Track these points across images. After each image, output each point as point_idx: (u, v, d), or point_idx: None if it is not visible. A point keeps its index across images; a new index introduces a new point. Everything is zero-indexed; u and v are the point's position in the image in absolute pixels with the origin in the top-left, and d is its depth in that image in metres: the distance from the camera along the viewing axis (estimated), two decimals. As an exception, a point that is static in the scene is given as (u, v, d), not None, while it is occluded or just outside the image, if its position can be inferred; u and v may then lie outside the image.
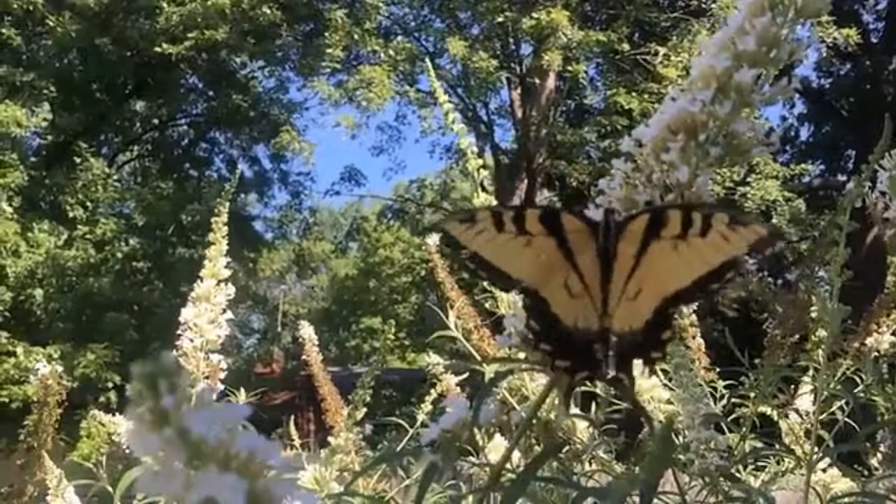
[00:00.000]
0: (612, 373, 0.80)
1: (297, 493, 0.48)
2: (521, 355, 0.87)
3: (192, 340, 1.81)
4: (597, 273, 0.81)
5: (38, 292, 14.93)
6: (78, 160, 15.87)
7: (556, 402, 0.89)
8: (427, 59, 1.89)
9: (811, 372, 1.72)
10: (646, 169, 0.80)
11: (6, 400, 13.38)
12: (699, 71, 0.80)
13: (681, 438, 1.80)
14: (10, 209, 14.74)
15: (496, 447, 0.90)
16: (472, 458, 0.93)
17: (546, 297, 0.82)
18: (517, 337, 0.83)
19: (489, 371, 1.47)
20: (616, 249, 0.81)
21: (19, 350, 13.81)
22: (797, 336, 1.69)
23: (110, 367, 13.83)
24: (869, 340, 1.83)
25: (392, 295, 28.22)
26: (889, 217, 1.30)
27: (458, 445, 0.92)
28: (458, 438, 0.85)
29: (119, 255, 15.78)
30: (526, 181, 15.87)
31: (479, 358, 1.73)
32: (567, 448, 1.91)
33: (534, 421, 0.93)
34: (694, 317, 2.04)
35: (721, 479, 1.60)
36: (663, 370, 1.96)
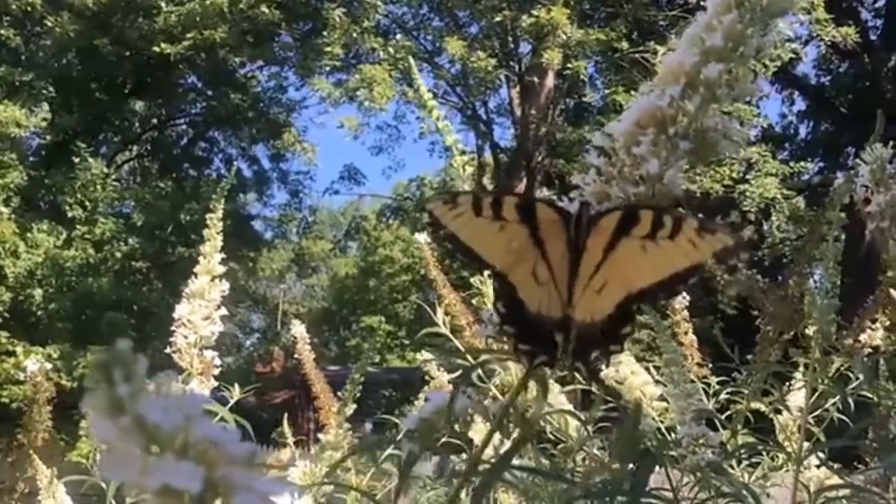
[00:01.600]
0: (569, 361, 0.82)
1: (262, 483, 0.47)
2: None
3: (185, 337, 1.82)
4: (565, 264, 0.83)
5: (38, 292, 14.94)
6: (77, 160, 15.87)
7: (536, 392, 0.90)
8: (411, 60, 1.88)
9: (802, 368, 1.72)
10: (618, 163, 0.81)
11: (6, 400, 13.38)
12: (668, 66, 0.81)
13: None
14: (7, 210, 14.73)
15: (479, 431, 0.90)
16: (465, 455, 0.94)
17: (514, 282, 0.84)
18: (493, 328, 0.84)
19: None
20: (586, 243, 0.83)
21: (19, 350, 13.83)
22: (790, 332, 1.70)
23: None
24: (863, 336, 1.83)
25: (392, 294, 28.24)
26: (871, 211, 1.31)
27: (453, 442, 0.93)
28: (437, 428, 0.85)
29: (118, 254, 15.77)
30: (525, 180, 15.87)
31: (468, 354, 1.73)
32: (561, 444, 1.91)
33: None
34: (686, 313, 2.05)
35: (713, 474, 1.60)
36: (656, 367, 1.96)
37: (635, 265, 0.81)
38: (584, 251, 0.82)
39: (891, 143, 1.36)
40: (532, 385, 0.90)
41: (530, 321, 0.83)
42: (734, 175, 14.16)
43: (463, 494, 1.03)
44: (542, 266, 0.84)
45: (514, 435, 0.90)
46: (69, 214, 15.73)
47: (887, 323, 1.73)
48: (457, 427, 0.86)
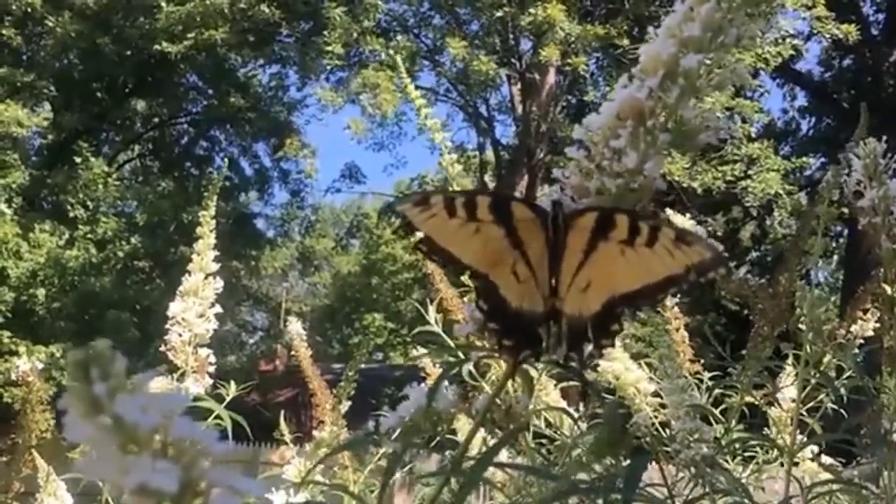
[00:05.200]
0: (562, 353, 0.82)
1: (241, 482, 0.48)
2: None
3: (180, 335, 1.82)
4: (545, 261, 0.83)
5: (41, 292, 14.94)
6: (79, 160, 15.88)
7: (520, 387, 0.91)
8: (398, 60, 1.89)
9: (793, 361, 1.73)
10: (597, 156, 0.81)
11: (9, 400, 13.39)
12: (647, 57, 0.81)
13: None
14: (9, 211, 14.74)
15: (463, 428, 0.91)
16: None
17: (495, 281, 0.84)
18: (474, 325, 0.84)
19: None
20: (566, 240, 0.82)
21: (22, 349, 13.83)
22: (781, 328, 1.70)
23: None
24: (854, 328, 1.84)
25: (395, 292, 28.22)
26: (864, 206, 1.31)
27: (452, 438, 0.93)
28: (419, 426, 0.86)
29: (120, 254, 15.78)
30: (526, 177, 15.86)
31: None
32: (556, 441, 1.92)
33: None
34: (677, 309, 2.05)
35: (708, 469, 1.60)
36: (648, 363, 1.97)
37: (616, 269, 0.81)
38: (565, 248, 0.82)
39: (884, 137, 1.36)
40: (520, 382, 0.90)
41: (513, 317, 0.83)
42: (736, 171, 14.15)
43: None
44: (522, 265, 0.83)
45: (501, 432, 0.91)
46: (71, 214, 15.73)
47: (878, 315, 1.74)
48: (438, 425, 0.86)
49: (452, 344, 1.74)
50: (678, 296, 2.16)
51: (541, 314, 0.83)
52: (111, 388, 0.43)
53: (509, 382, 1.30)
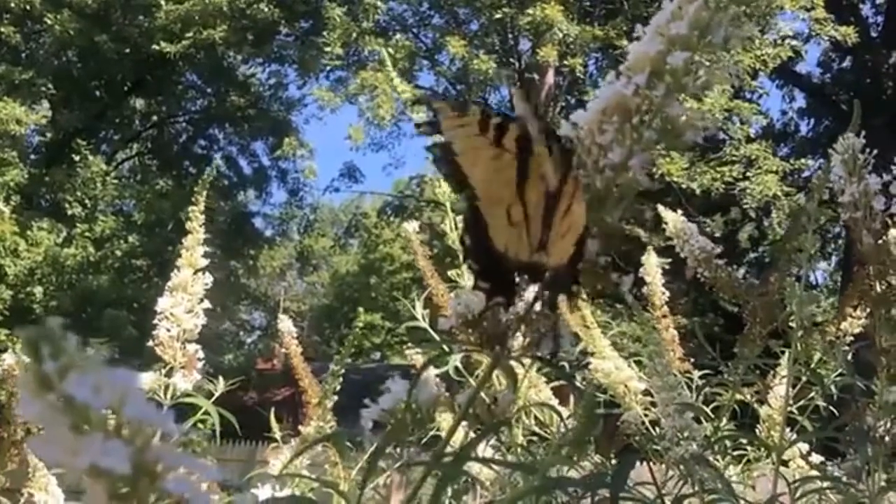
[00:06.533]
0: (544, 307, 0.80)
1: (194, 465, 0.47)
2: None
3: (168, 330, 1.82)
4: (540, 209, 0.80)
5: (38, 290, 14.94)
6: (77, 158, 15.88)
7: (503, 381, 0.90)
8: (386, 57, 1.88)
9: (784, 360, 1.72)
10: (583, 152, 0.80)
11: (4, 399, 13.37)
12: (634, 55, 0.80)
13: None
14: (7, 209, 14.73)
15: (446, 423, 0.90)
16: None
17: (487, 218, 0.81)
18: (457, 319, 0.83)
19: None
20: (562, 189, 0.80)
21: (19, 347, 13.81)
22: (771, 326, 1.69)
23: (109, 363, 13.80)
24: (843, 325, 1.83)
25: (393, 291, 28.20)
26: (845, 201, 1.30)
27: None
28: (403, 420, 0.85)
29: (118, 252, 15.79)
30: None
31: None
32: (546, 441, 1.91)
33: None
34: (667, 308, 2.05)
35: (697, 466, 1.60)
36: (637, 362, 1.97)
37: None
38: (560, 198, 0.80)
39: (863, 133, 1.35)
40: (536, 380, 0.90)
41: (496, 259, 0.80)
42: (734, 173, 14.14)
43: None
44: (518, 207, 0.81)
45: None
46: (69, 212, 15.74)
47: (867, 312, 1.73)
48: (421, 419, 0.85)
49: (437, 338, 1.73)
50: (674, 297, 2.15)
51: (524, 263, 0.80)
52: (62, 366, 0.42)
53: (495, 378, 1.29)
